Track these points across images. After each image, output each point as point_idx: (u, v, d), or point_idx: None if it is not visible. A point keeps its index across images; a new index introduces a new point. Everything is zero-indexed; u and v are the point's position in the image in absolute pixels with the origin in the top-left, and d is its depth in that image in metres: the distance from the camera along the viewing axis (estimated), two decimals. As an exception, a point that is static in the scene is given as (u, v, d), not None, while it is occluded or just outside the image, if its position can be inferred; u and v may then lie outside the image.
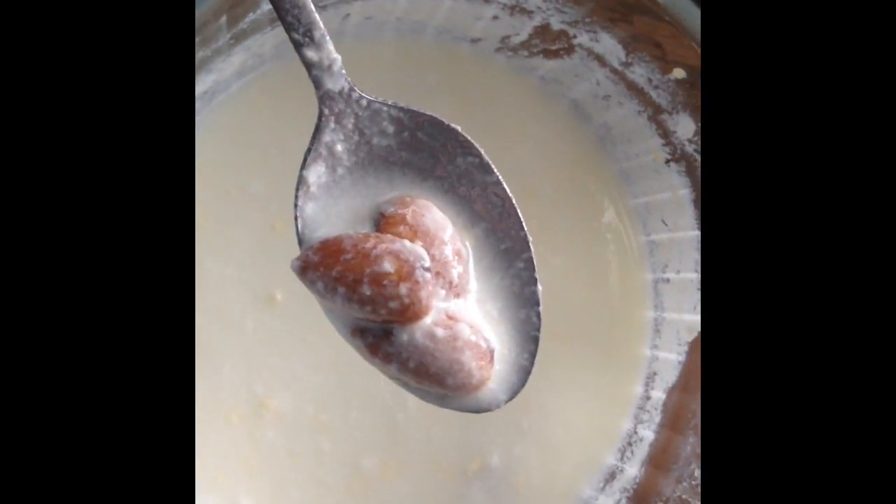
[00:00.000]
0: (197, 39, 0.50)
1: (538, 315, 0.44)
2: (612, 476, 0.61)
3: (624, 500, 0.59)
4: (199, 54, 0.51)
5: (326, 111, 0.43)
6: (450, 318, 0.41)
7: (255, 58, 0.56)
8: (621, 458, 0.61)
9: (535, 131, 0.61)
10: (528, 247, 0.44)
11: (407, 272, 0.40)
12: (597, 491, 0.61)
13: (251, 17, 0.51)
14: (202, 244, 0.57)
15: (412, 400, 0.59)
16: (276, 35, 0.54)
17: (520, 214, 0.44)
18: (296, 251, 0.58)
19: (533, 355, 0.44)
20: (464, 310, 0.42)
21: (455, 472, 0.60)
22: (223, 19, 0.50)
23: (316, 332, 0.58)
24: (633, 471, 0.60)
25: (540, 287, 0.44)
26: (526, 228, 0.44)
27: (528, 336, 0.44)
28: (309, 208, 0.44)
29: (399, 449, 0.59)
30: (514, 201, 0.44)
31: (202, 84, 0.55)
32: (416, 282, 0.40)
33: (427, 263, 0.40)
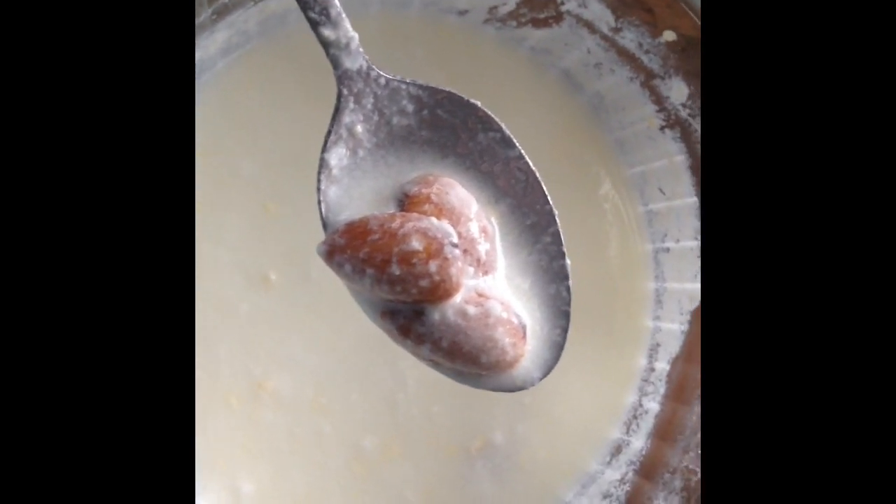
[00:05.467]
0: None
1: (568, 289, 0.44)
2: (618, 449, 0.60)
3: (631, 473, 0.59)
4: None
5: (345, 91, 0.43)
6: (480, 295, 0.41)
7: (240, 35, 0.55)
8: (627, 432, 0.60)
9: (526, 103, 0.60)
10: (554, 221, 0.44)
11: (436, 249, 0.39)
12: (603, 465, 0.60)
13: (230, -11, 0.51)
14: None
15: (412, 380, 0.59)
16: (261, 11, 0.54)
17: (544, 188, 0.44)
18: (289, 231, 0.58)
19: (565, 330, 0.44)
20: (493, 287, 0.42)
21: (458, 451, 0.59)
22: (201, -8, 0.49)
23: (312, 313, 0.57)
24: (639, 443, 0.59)
25: (568, 261, 0.44)
26: (551, 202, 0.44)
27: (559, 311, 0.44)
28: (332, 192, 0.43)
29: (400, 429, 0.58)
30: (537, 175, 0.44)
31: (187, 63, 0.54)
32: (446, 258, 0.39)
33: (455, 239, 0.40)
